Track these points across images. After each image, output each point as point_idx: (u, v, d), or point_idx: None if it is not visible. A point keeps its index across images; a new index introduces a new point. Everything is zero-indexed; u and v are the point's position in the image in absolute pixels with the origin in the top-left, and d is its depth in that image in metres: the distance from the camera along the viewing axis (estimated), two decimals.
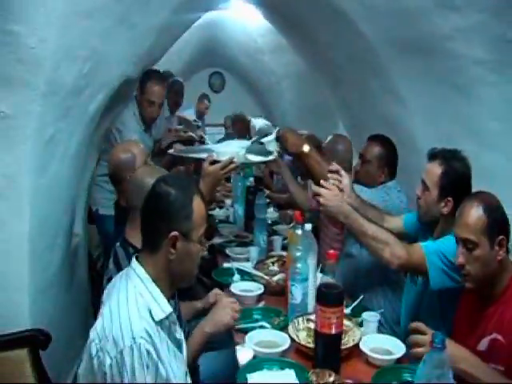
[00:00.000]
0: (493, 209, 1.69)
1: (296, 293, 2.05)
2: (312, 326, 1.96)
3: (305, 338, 1.90)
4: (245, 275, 2.53)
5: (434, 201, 2.03)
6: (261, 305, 2.26)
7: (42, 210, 2.26)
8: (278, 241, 2.96)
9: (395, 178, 2.65)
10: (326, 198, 2.03)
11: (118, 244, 1.89)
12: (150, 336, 1.34)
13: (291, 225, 2.36)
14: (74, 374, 2.93)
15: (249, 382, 1.65)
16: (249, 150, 2.29)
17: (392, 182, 2.61)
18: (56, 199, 2.43)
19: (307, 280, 2.08)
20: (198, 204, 1.46)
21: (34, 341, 1.99)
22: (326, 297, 1.65)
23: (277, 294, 2.33)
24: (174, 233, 1.41)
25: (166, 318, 1.44)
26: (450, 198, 2.00)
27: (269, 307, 2.22)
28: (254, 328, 1.99)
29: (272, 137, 2.32)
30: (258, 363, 1.77)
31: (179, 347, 1.53)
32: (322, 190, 2.04)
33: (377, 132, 2.71)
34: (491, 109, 2.40)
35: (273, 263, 2.62)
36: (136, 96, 3.21)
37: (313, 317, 2.00)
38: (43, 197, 2.26)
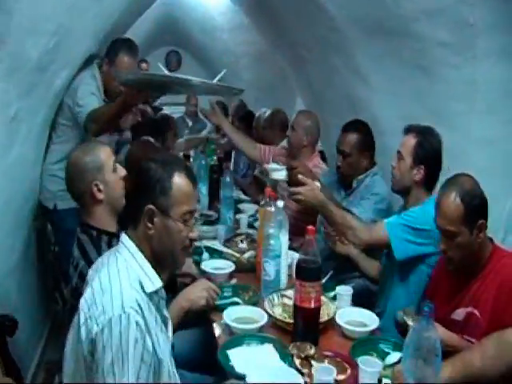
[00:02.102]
0: (470, 195, 1.69)
1: (269, 269, 2.05)
2: (287, 301, 1.96)
3: (281, 314, 1.90)
4: (213, 253, 2.49)
5: (408, 168, 2.13)
6: (232, 282, 2.24)
7: (5, 192, 2.15)
8: (244, 219, 2.93)
9: (375, 161, 2.69)
10: (305, 195, 2.09)
11: (78, 230, 1.80)
12: (140, 307, 1.31)
13: (262, 202, 2.34)
14: (37, 360, 2.86)
15: (232, 361, 1.63)
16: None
17: (374, 169, 2.65)
18: (19, 182, 2.31)
19: (280, 256, 2.07)
20: (180, 181, 1.41)
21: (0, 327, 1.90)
22: (306, 272, 1.65)
23: (247, 270, 2.32)
24: (149, 206, 1.38)
25: (156, 292, 1.41)
26: (422, 166, 2.11)
27: (239, 284, 2.21)
28: (226, 304, 1.97)
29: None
30: (237, 339, 1.75)
31: (165, 325, 1.50)
32: (298, 189, 2.10)
33: (339, 112, 2.72)
34: (452, 90, 2.44)
35: (241, 241, 2.60)
36: (100, 66, 2.81)
37: (287, 293, 2.01)
38: (5, 179, 2.13)
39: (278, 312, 1.91)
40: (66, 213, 2.61)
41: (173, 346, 1.85)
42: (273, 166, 2.40)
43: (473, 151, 2.46)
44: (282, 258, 2.09)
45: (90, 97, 2.64)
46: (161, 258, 1.44)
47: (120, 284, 1.32)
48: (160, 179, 1.39)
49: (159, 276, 1.42)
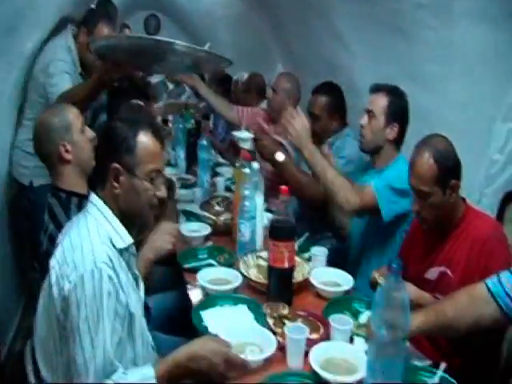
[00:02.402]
0: (444, 156, 1.68)
1: (244, 230, 2.02)
2: (262, 262, 1.94)
3: (256, 275, 1.88)
4: (190, 217, 2.46)
5: (381, 127, 2.11)
6: (208, 244, 2.22)
7: None
8: (221, 182, 2.89)
9: (346, 122, 2.65)
10: (295, 129, 2.06)
11: (49, 195, 1.77)
12: (111, 262, 1.30)
13: (237, 164, 2.30)
14: (15, 327, 2.82)
15: (205, 321, 1.61)
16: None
17: (345, 130, 2.62)
18: None
19: (255, 218, 2.05)
20: (145, 140, 1.39)
21: None
22: (279, 231, 1.62)
23: (223, 233, 2.29)
24: (114, 165, 1.36)
25: (127, 249, 1.39)
26: (395, 124, 2.11)
27: (214, 246, 2.18)
28: (201, 266, 1.95)
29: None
30: (211, 300, 1.73)
31: (137, 283, 1.49)
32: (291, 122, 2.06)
33: (318, 75, 2.67)
34: (430, 52, 2.40)
35: (218, 203, 2.56)
36: (75, 35, 2.65)
37: (262, 254, 1.99)
38: None
39: (253, 273, 1.89)
40: (42, 189, 2.43)
41: (148, 308, 1.84)
42: (239, 134, 2.37)
43: (450, 113, 2.44)
44: (258, 219, 2.06)
45: (62, 76, 2.49)
46: (129, 217, 1.42)
47: (90, 241, 1.31)
48: (125, 138, 1.38)
49: (130, 234, 1.41)
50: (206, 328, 1.58)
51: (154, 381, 1.26)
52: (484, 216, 1.78)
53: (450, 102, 2.41)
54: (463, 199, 1.78)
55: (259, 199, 2.07)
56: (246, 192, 2.01)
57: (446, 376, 1.38)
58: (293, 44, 3.50)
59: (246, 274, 1.86)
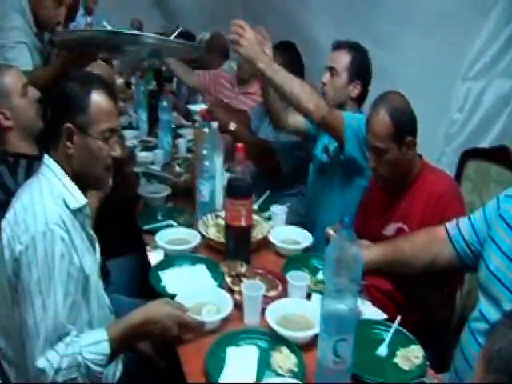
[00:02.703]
0: (399, 112, 1.66)
1: (204, 190, 1.97)
2: (221, 222, 1.91)
3: (215, 234, 1.84)
4: (151, 178, 2.39)
5: (343, 85, 2.08)
6: (168, 205, 2.17)
7: None
8: (182, 143, 2.82)
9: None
10: (246, 39, 1.81)
11: None
12: (64, 223, 1.26)
13: (197, 124, 2.23)
14: None
15: (163, 281, 1.58)
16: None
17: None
18: None
19: (214, 177, 2.00)
20: (98, 98, 1.33)
21: None
22: (236, 189, 1.58)
23: (184, 194, 2.23)
24: (67, 125, 1.31)
25: (81, 210, 1.34)
26: (358, 82, 2.08)
27: (174, 206, 2.14)
28: (161, 227, 1.90)
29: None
30: (169, 261, 1.70)
31: (93, 245, 1.44)
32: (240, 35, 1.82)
33: (280, 35, 2.58)
34: (390, 11, 2.36)
35: (179, 165, 2.51)
36: None
37: (222, 213, 1.95)
38: None
39: (212, 232, 1.86)
40: None
41: (107, 270, 1.80)
42: (194, 108, 2.41)
43: (410, 73, 2.42)
44: (217, 178, 2.02)
45: (18, 48, 2.27)
46: (83, 178, 1.37)
47: (43, 202, 1.26)
48: (77, 97, 1.33)
49: (84, 195, 1.36)
50: (164, 288, 1.55)
51: (106, 344, 1.24)
52: (439, 172, 1.78)
53: (410, 62, 2.39)
54: (420, 156, 1.77)
55: (218, 159, 2.02)
56: (205, 152, 1.95)
57: (401, 329, 1.39)
58: (255, 2, 3.39)
59: (204, 233, 1.82)
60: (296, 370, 1.23)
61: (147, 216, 2.02)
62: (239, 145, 1.57)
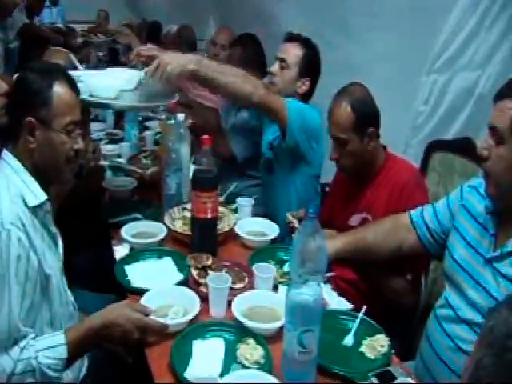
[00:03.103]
0: (361, 103, 1.66)
1: (171, 183, 1.94)
2: (188, 214, 1.88)
3: (181, 227, 1.81)
4: (118, 172, 2.34)
5: (292, 79, 2.06)
6: (135, 199, 2.12)
7: None
8: (149, 136, 2.76)
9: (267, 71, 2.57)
10: (168, 56, 1.69)
11: None
12: (22, 223, 1.21)
13: (163, 116, 2.19)
14: None
15: (128, 275, 1.55)
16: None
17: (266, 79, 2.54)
18: None
19: (181, 170, 1.96)
20: (60, 91, 1.29)
21: None
22: (201, 181, 1.55)
23: (150, 187, 2.19)
24: (29, 118, 1.26)
25: (41, 206, 1.29)
26: (308, 79, 2.06)
27: (140, 200, 2.09)
28: (127, 221, 1.86)
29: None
30: (134, 254, 1.66)
31: (55, 242, 1.39)
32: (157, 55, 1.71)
33: (248, 25, 2.57)
34: (358, 4, 2.36)
35: (145, 157, 2.46)
36: None
37: (188, 206, 1.92)
38: None
39: (178, 225, 1.82)
40: None
41: (72, 267, 1.75)
42: None
43: (377, 65, 2.43)
44: (184, 171, 1.98)
45: None
46: (45, 172, 1.33)
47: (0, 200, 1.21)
48: (39, 89, 1.28)
49: (45, 191, 1.31)
50: (129, 282, 1.52)
51: (64, 348, 1.20)
52: (403, 163, 1.79)
53: (377, 55, 2.39)
54: (384, 147, 1.78)
55: (185, 151, 1.98)
56: (171, 144, 1.92)
57: (367, 319, 1.39)
58: None
59: (171, 226, 1.79)
60: (262, 361, 1.21)
61: (113, 209, 1.97)
62: (205, 136, 1.54)
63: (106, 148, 2.59)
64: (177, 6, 4.67)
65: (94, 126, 2.92)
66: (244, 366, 1.21)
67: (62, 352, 1.19)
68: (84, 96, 1.57)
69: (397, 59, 2.38)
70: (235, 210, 1.96)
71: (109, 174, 2.31)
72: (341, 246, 1.50)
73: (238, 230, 1.80)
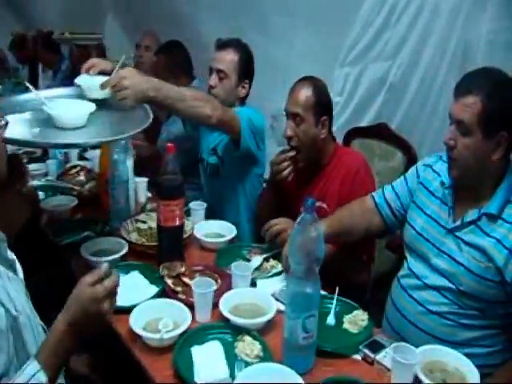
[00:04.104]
0: (320, 91, 1.79)
1: (118, 196, 1.91)
2: (142, 225, 1.88)
3: (138, 239, 1.80)
4: (49, 191, 2.23)
5: (233, 87, 2.09)
6: (78, 217, 2.05)
7: None
8: (73, 151, 2.66)
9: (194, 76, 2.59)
10: (126, 85, 1.59)
11: None
12: None
13: None
14: None
15: None
16: None
17: (194, 83, 2.56)
18: None
19: (127, 181, 1.94)
20: None
21: None
22: (169, 190, 1.55)
23: (91, 203, 2.13)
24: None
25: None
26: (246, 81, 2.11)
27: (86, 217, 2.02)
28: (80, 239, 1.79)
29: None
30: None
31: (13, 269, 1.26)
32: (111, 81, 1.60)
33: (165, 30, 2.56)
34: (276, 3, 2.45)
35: (77, 173, 2.36)
36: None
37: (140, 217, 1.93)
38: None
39: (134, 238, 1.80)
40: None
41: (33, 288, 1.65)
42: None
43: (296, 62, 2.55)
44: (130, 183, 1.96)
45: None
46: None
47: None
48: None
49: None
50: None
51: (41, 373, 1.07)
52: (352, 152, 1.93)
53: (296, 52, 2.52)
54: (333, 138, 1.90)
55: (130, 163, 1.95)
56: (117, 156, 1.88)
57: (342, 298, 1.50)
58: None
59: (129, 239, 1.76)
60: (262, 354, 1.26)
61: (61, 230, 1.88)
62: (169, 144, 1.54)
63: (31, 167, 2.44)
64: (68, 9, 4.45)
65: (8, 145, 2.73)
66: (246, 362, 1.25)
67: (41, 377, 1.06)
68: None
69: (314, 55, 2.53)
70: (188, 213, 1.96)
71: (41, 194, 2.19)
72: (325, 231, 1.53)
73: (197, 234, 1.82)
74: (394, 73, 2.41)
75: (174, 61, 2.51)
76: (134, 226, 1.87)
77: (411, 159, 2.33)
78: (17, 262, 1.33)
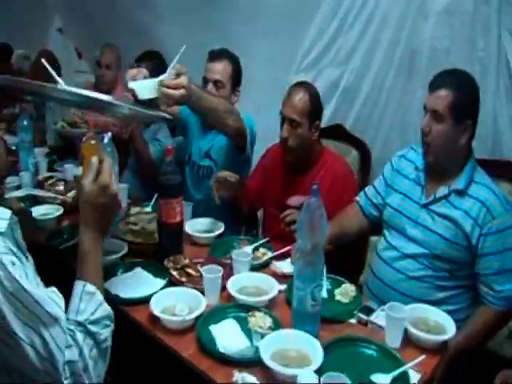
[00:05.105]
0: (315, 98, 2.00)
1: None
2: (133, 227, 2.00)
3: (133, 239, 1.91)
4: (26, 201, 2.28)
5: (228, 96, 2.24)
6: (65, 224, 2.13)
7: None
8: (43, 162, 2.72)
9: None
10: (174, 94, 1.65)
11: None
12: (6, 246, 1.09)
13: (85, 138, 2.21)
14: None
15: (111, 292, 1.59)
16: None
17: None
18: None
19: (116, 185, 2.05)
20: None
21: None
22: (171, 189, 1.70)
23: (75, 210, 2.21)
24: None
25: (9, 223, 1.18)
26: (238, 88, 2.29)
27: (71, 224, 2.08)
28: (72, 245, 1.86)
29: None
30: (108, 271, 1.70)
31: (24, 253, 1.25)
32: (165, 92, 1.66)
33: (128, 45, 2.65)
34: (238, 13, 2.63)
35: (54, 183, 2.44)
36: None
37: (130, 219, 2.05)
38: None
39: (129, 238, 1.92)
40: None
41: None
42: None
43: (257, 69, 2.72)
44: (119, 187, 2.07)
45: None
46: None
47: None
48: None
49: None
50: (117, 295, 1.58)
51: (88, 286, 1.17)
52: (337, 155, 2.18)
53: (257, 59, 2.70)
54: (319, 140, 2.12)
55: (116, 169, 2.06)
56: None
57: (330, 275, 1.71)
58: (94, 12, 3.31)
59: (128, 239, 1.89)
60: (274, 326, 1.45)
61: (55, 237, 1.97)
62: (169, 147, 1.69)
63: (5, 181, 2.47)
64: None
65: None
66: (261, 334, 1.42)
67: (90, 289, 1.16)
68: None
69: (272, 61, 2.73)
70: None
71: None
72: (330, 234, 1.74)
73: (188, 231, 1.98)
74: (346, 77, 2.64)
75: (154, 69, 2.60)
76: (127, 227, 1.99)
77: (365, 155, 2.61)
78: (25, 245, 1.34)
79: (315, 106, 2.00)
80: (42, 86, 1.43)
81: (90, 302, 1.16)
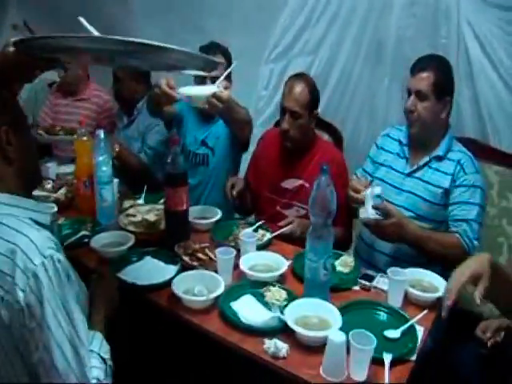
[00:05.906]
0: (314, 89, 2.13)
1: (106, 195, 2.07)
2: (134, 219, 2.06)
3: (135, 229, 1.98)
4: None
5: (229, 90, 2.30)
6: (61, 221, 2.16)
7: None
8: None
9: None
10: (218, 106, 1.91)
11: None
12: (54, 243, 1.17)
13: (77, 133, 2.25)
14: None
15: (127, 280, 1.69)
16: None
17: None
18: None
19: (112, 181, 2.12)
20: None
21: None
22: (178, 178, 1.79)
23: (67, 207, 2.26)
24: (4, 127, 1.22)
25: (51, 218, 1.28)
26: (229, 85, 2.36)
27: (73, 219, 2.13)
28: (77, 239, 1.94)
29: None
30: (121, 261, 1.78)
31: None
32: (213, 102, 1.91)
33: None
34: (211, 6, 2.71)
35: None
36: None
37: (130, 211, 2.11)
38: None
39: (133, 229, 1.99)
40: None
41: None
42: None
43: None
44: (114, 182, 2.15)
45: None
46: (28, 179, 1.30)
47: (22, 233, 1.14)
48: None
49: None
50: (133, 283, 1.66)
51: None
52: (329, 143, 2.35)
53: (232, 52, 2.79)
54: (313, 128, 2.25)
55: (110, 162, 2.12)
56: (101, 158, 2.05)
57: None
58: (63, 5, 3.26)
59: (131, 229, 1.97)
60: (289, 298, 1.58)
61: (56, 230, 2.00)
62: (175, 137, 1.78)
63: None
64: None
65: None
66: (279, 306, 1.55)
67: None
68: None
69: (245, 53, 2.82)
70: None
71: None
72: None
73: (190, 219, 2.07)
74: (316, 66, 2.80)
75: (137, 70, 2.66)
76: (128, 220, 2.06)
77: (337, 139, 2.77)
78: None
79: (314, 97, 2.14)
80: (87, 37, 1.26)
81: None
